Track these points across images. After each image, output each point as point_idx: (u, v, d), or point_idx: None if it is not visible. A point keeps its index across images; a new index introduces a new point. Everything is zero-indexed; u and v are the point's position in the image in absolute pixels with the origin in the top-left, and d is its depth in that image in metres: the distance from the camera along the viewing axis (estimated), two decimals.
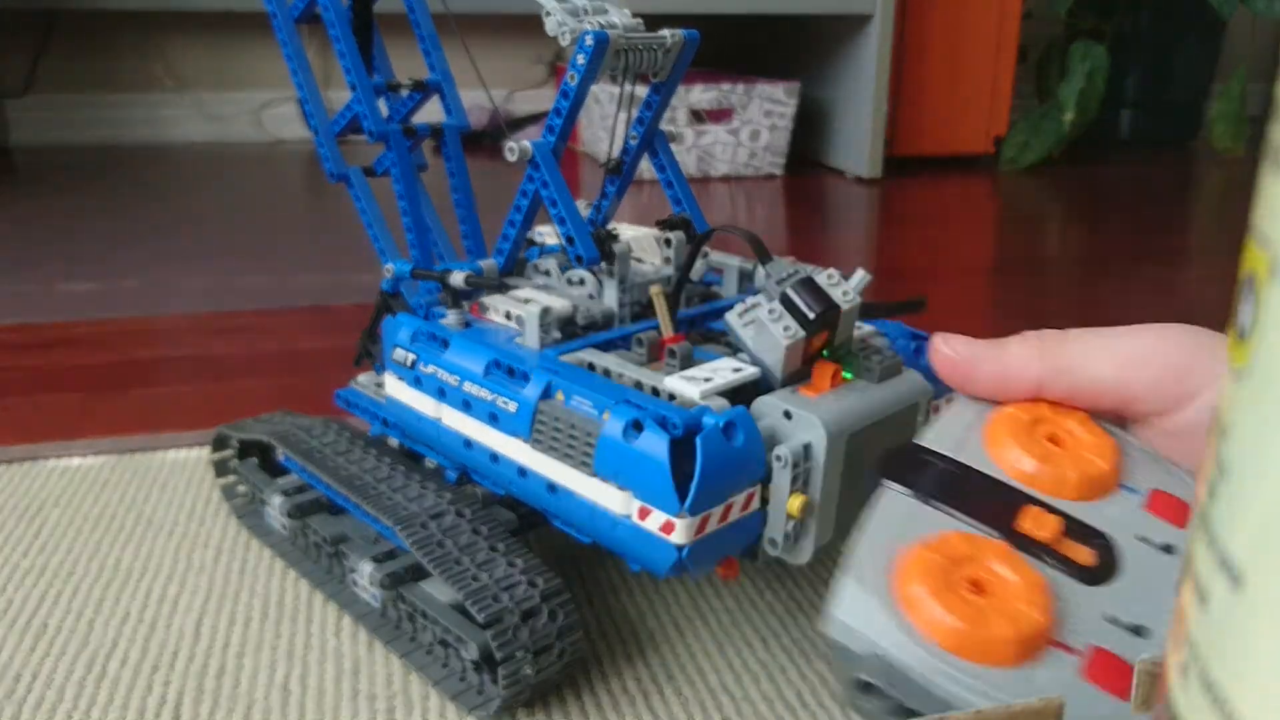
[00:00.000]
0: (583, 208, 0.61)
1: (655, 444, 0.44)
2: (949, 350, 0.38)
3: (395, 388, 0.59)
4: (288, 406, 0.74)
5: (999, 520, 0.30)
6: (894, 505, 0.32)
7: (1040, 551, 0.30)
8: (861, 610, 0.28)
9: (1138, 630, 0.28)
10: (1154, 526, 0.31)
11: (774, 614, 0.61)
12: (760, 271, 0.51)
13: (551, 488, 0.50)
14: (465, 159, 0.68)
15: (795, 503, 0.45)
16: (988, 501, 0.31)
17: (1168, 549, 0.31)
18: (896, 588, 0.28)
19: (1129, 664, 0.27)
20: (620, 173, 0.62)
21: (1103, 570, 0.30)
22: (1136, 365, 0.34)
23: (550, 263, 0.61)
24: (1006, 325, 0.51)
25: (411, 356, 0.57)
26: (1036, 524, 0.30)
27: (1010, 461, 0.33)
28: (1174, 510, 0.31)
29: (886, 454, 0.34)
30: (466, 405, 0.53)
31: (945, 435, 0.34)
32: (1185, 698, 0.15)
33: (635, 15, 0.55)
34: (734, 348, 0.55)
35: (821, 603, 0.62)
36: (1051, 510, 0.31)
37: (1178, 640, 0.16)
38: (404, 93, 0.68)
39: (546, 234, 0.67)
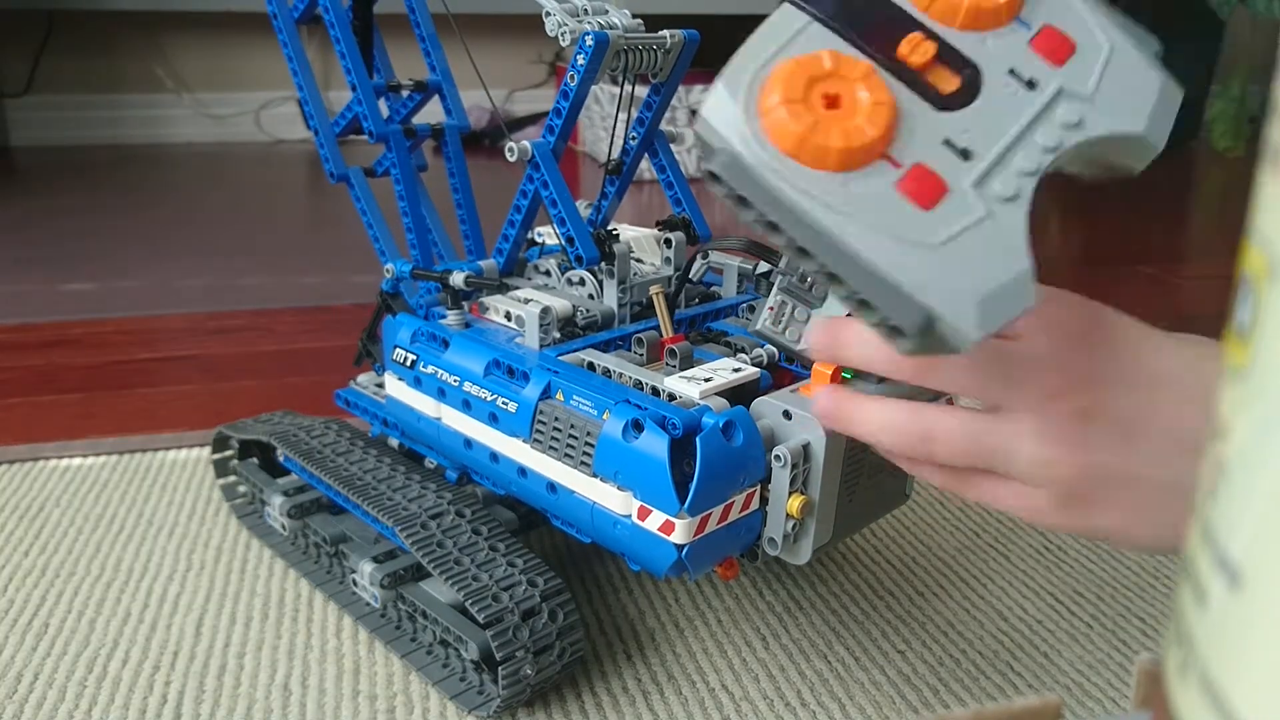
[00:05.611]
0: (583, 208, 0.61)
1: (655, 444, 0.44)
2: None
3: (395, 388, 0.59)
4: (288, 406, 0.74)
5: (880, 45, 0.32)
6: (786, 21, 0.32)
7: (906, 75, 0.32)
8: (723, 111, 0.30)
9: (965, 154, 0.30)
10: (1029, 62, 0.32)
11: (774, 614, 0.61)
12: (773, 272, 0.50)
13: (551, 487, 0.50)
14: (465, 159, 0.68)
15: (795, 503, 0.45)
16: (877, 26, 0.32)
17: (1031, 84, 0.32)
18: (760, 96, 0.30)
19: (943, 181, 0.30)
20: (620, 173, 0.62)
21: (958, 98, 0.31)
22: None
23: (550, 263, 0.61)
24: None
25: (412, 356, 0.57)
26: (913, 50, 0.32)
27: None
28: (1057, 47, 0.32)
29: None
30: (466, 405, 0.54)
31: None
32: (1184, 697, 0.15)
33: (635, 15, 0.55)
34: (734, 348, 0.55)
35: (821, 603, 0.63)
36: (932, 37, 0.32)
37: (1177, 639, 0.16)
38: (404, 93, 0.68)
39: (546, 234, 0.67)
